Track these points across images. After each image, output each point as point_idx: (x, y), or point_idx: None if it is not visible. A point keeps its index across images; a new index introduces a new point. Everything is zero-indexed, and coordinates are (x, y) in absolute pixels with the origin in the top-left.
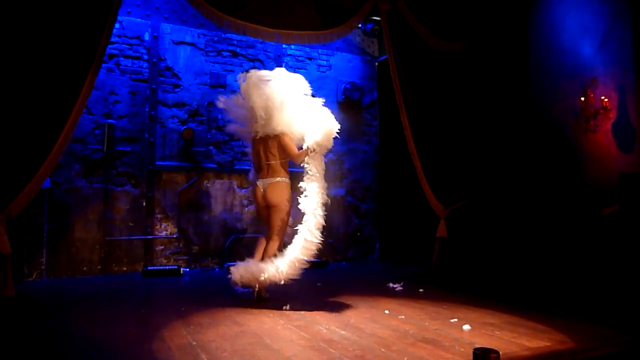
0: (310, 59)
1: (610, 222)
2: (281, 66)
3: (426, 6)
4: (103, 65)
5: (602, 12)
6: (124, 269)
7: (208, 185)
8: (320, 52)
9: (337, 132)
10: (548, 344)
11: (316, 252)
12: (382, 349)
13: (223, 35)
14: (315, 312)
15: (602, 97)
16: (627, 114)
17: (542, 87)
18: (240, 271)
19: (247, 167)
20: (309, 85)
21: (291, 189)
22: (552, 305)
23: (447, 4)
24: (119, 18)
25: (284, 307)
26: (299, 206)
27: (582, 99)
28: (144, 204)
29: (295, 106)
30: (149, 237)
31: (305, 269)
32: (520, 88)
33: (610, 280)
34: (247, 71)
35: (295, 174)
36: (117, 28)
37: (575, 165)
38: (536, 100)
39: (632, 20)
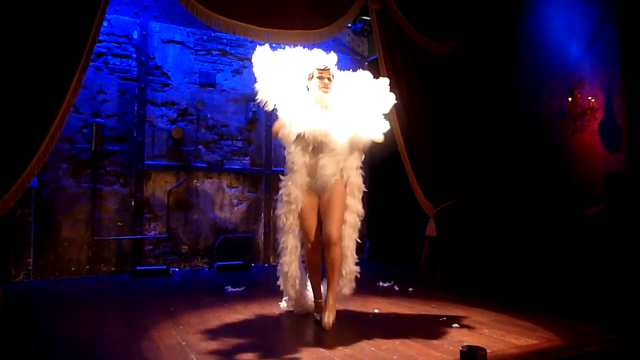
0: None
1: (597, 222)
2: None
3: (416, 6)
4: (91, 63)
5: (590, 13)
6: (113, 269)
7: (197, 184)
8: None
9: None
10: (536, 341)
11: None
12: (372, 348)
13: (212, 34)
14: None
15: (589, 97)
16: (613, 114)
17: (530, 87)
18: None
19: (236, 167)
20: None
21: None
22: (540, 303)
23: (437, 4)
24: (107, 16)
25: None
26: None
27: (569, 99)
28: (133, 203)
29: None
30: (138, 237)
31: None
32: (508, 88)
33: (597, 279)
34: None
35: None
36: (105, 26)
37: (562, 165)
38: (524, 100)
39: (618, 21)
